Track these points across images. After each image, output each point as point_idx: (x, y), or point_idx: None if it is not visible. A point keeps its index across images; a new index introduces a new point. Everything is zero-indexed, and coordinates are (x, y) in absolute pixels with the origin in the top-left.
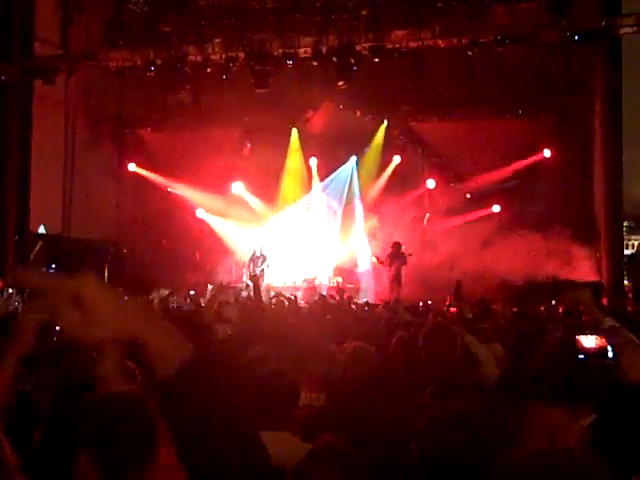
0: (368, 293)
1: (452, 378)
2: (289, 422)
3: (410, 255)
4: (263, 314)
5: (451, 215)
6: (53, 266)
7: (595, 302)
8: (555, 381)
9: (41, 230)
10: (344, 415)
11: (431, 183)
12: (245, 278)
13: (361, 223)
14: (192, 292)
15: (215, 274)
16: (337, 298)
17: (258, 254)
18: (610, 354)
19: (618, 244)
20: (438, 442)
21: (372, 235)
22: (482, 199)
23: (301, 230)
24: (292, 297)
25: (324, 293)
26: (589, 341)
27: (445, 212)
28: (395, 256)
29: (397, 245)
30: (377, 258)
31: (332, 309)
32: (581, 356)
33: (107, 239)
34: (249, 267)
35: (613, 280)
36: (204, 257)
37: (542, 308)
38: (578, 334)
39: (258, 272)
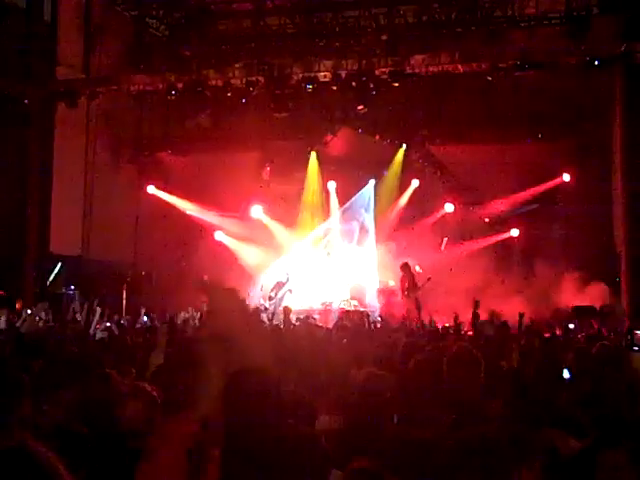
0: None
1: (475, 405)
2: None
3: (429, 279)
4: (283, 337)
5: (469, 239)
6: (72, 287)
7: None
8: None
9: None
10: (360, 439)
11: (450, 207)
12: (263, 301)
13: (373, 248)
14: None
15: None
16: (366, 323)
17: (284, 280)
18: None
19: (638, 268)
20: (455, 471)
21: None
22: (501, 223)
23: (319, 254)
24: (315, 320)
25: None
26: None
27: (463, 236)
28: (409, 284)
29: (406, 267)
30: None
31: (349, 333)
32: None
33: (126, 261)
34: (272, 291)
35: (633, 304)
36: (221, 279)
37: (558, 332)
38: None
39: (280, 295)
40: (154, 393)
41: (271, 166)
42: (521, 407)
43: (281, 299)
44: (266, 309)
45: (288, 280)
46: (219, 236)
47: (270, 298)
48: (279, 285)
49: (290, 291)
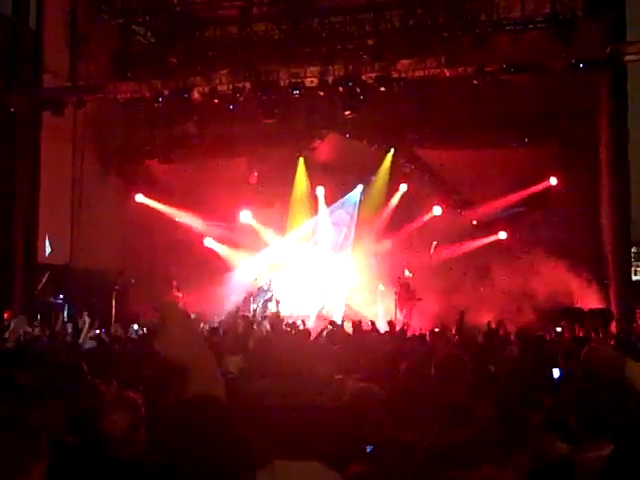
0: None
1: (464, 407)
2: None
3: (420, 300)
4: (273, 346)
5: (457, 242)
6: (61, 296)
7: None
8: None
9: (47, 249)
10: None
11: (438, 210)
12: (254, 307)
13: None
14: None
15: (225, 303)
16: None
17: (266, 288)
18: None
19: (626, 270)
20: (433, 471)
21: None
22: (488, 226)
23: (308, 260)
24: (302, 326)
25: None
26: None
27: (452, 239)
28: (405, 295)
29: (405, 285)
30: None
31: (339, 339)
32: None
33: (114, 269)
34: (256, 297)
35: (621, 307)
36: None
37: (547, 335)
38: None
39: (262, 302)
40: (139, 402)
41: (259, 172)
42: (510, 409)
43: (264, 307)
44: (254, 316)
45: (270, 287)
46: (208, 243)
47: (254, 310)
48: (262, 292)
49: (278, 302)
